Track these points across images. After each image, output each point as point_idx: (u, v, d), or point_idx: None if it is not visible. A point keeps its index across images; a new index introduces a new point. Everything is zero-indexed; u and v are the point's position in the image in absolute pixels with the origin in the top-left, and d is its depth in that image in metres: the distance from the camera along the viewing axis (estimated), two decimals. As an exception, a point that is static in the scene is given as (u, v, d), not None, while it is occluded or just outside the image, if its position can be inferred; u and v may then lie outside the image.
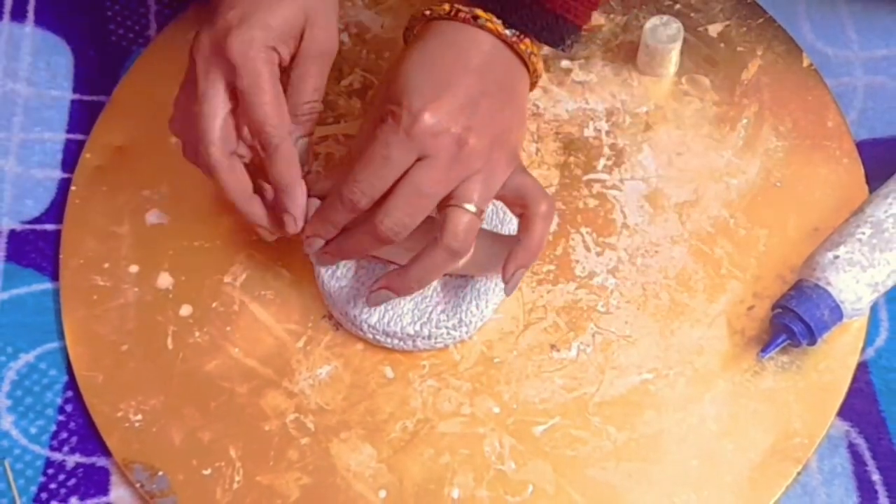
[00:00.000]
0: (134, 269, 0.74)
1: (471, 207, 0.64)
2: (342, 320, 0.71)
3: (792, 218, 0.75)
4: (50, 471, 0.69)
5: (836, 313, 0.68)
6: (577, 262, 0.74)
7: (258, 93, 0.65)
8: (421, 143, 0.62)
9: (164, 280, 0.74)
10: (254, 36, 0.65)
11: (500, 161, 0.65)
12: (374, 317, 0.70)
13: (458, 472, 0.67)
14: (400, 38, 0.71)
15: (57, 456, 0.70)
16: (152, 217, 0.76)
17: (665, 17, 0.79)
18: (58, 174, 0.79)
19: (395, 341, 0.70)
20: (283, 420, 0.69)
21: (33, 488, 0.69)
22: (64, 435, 0.70)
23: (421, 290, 0.70)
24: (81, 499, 0.68)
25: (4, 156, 0.80)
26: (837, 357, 0.70)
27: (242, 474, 0.68)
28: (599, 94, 0.80)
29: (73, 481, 0.69)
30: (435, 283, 0.70)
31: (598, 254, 0.74)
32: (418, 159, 0.63)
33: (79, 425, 0.70)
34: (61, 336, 0.73)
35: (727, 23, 0.83)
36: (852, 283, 0.68)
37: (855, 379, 0.70)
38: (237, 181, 0.67)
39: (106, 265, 0.75)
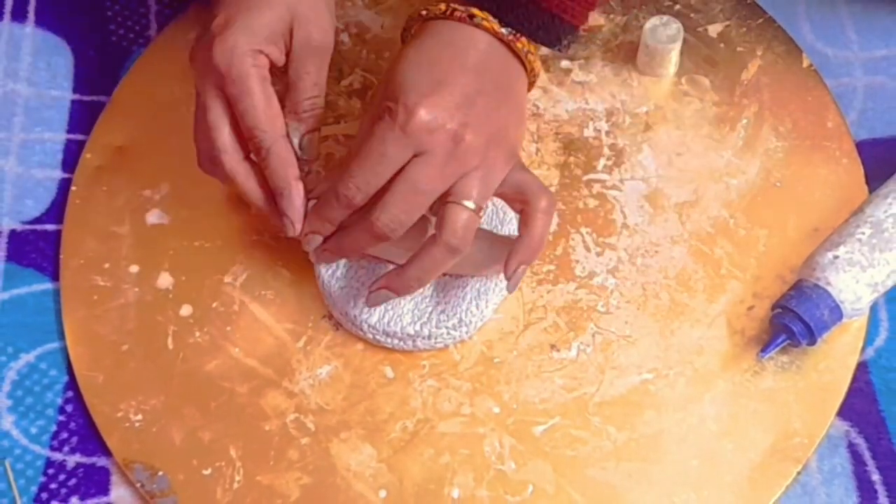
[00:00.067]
0: (134, 269, 0.74)
1: (469, 204, 0.64)
2: (342, 320, 0.71)
3: (792, 218, 0.75)
4: (50, 471, 0.69)
5: (836, 313, 0.68)
6: (577, 262, 0.74)
7: (246, 97, 0.65)
8: (417, 139, 0.62)
9: (165, 280, 0.74)
10: (237, 41, 0.65)
11: (497, 158, 0.65)
12: (374, 317, 0.70)
13: (458, 472, 0.67)
14: (399, 39, 0.71)
15: (57, 456, 0.70)
16: (152, 217, 0.76)
17: (665, 18, 0.79)
18: (58, 174, 0.79)
19: (395, 341, 0.70)
20: (283, 420, 0.69)
21: (34, 488, 0.69)
22: (64, 435, 0.70)
23: (421, 291, 0.70)
24: (82, 499, 0.68)
25: (5, 156, 0.80)
26: (837, 357, 0.70)
27: (243, 474, 0.68)
28: (599, 95, 0.80)
29: (73, 481, 0.69)
30: (435, 282, 0.70)
31: (598, 254, 0.74)
32: (414, 156, 0.63)
33: (79, 425, 0.70)
34: (62, 336, 0.73)
35: (727, 23, 0.83)
36: (852, 283, 0.68)
37: (855, 379, 0.70)
38: (254, 186, 0.68)
39: (106, 265, 0.75)
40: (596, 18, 0.83)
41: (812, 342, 0.68)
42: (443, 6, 0.66)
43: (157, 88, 0.81)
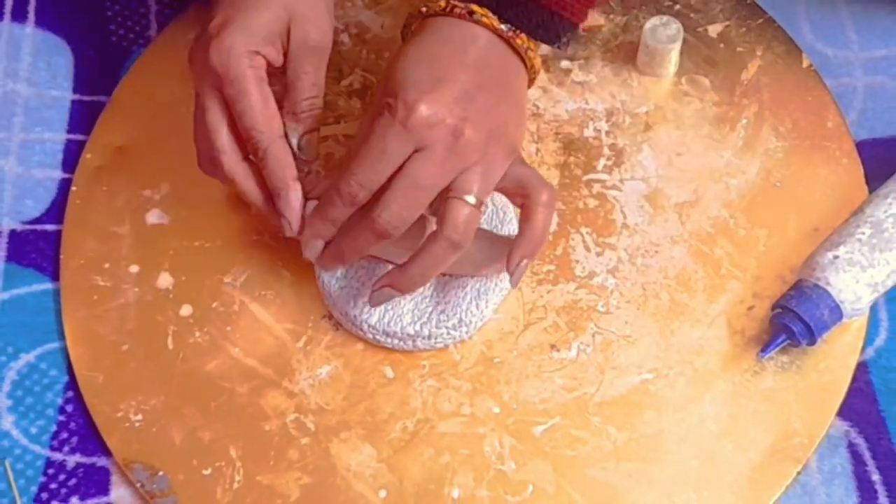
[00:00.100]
0: (134, 269, 0.74)
1: (470, 199, 0.63)
2: (342, 320, 0.71)
3: (792, 218, 0.75)
4: (50, 471, 0.69)
5: (836, 313, 0.68)
6: (577, 262, 0.74)
7: (243, 98, 0.65)
8: (417, 134, 0.62)
9: (165, 280, 0.74)
10: (233, 42, 0.65)
11: (497, 153, 0.65)
12: (375, 317, 0.70)
13: (458, 472, 0.67)
14: (399, 39, 0.71)
15: (57, 456, 0.70)
16: (153, 217, 0.76)
17: (665, 18, 0.79)
18: (58, 174, 0.80)
19: (395, 341, 0.70)
20: (283, 420, 0.69)
21: (34, 488, 0.69)
22: (64, 435, 0.70)
23: (421, 291, 0.70)
24: (82, 499, 0.68)
25: (5, 156, 0.80)
26: (837, 357, 0.70)
27: (243, 474, 0.68)
28: (599, 95, 0.80)
29: (73, 481, 0.69)
30: (435, 282, 0.70)
31: (598, 254, 0.74)
32: (415, 151, 0.63)
33: (79, 425, 0.70)
34: (62, 336, 0.73)
35: (727, 23, 0.83)
36: (852, 283, 0.68)
37: (855, 379, 0.70)
38: (253, 186, 0.68)
39: (106, 265, 0.75)
40: (596, 18, 0.83)
41: (812, 342, 0.68)
42: (442, 3, 0.66)
43: (157, 88, 0.81)
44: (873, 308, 0.72)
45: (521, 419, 0.69)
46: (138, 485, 0.68)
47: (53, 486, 0.69)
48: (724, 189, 0.76)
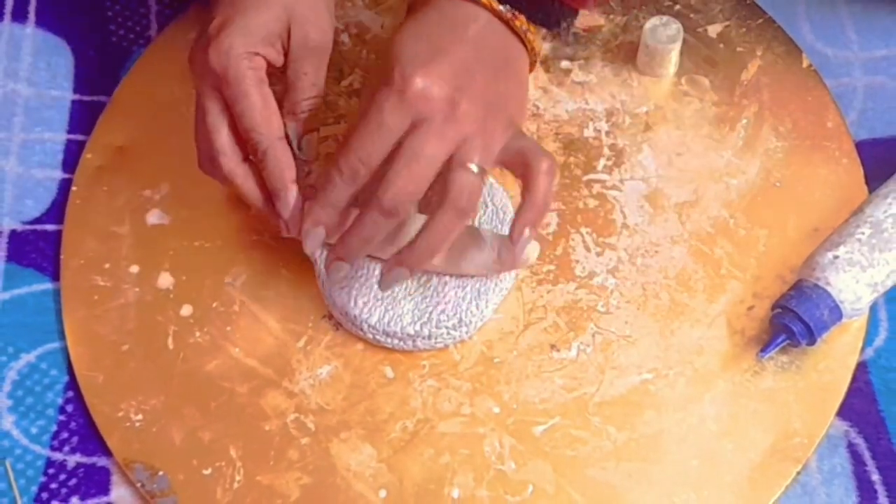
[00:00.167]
0: (134, 269, 0.75)
1: (472, 167, 0.63)
2: (342, 320, 0.71)
3: (792, 218, 0.75)
4: (51, 471, 0.69)
5: (836, 313, 0.68)
6: (577, 262, 0.74)
7: (242, 100, 0.65)
8: (414, 106, 0.62)
9: (165, 280, 0.74)
10: (232, 43, 0.65)
11: (496, 126, 0.65)
12: (375, 317, 0.70)
13: (458, 472, 0.67)
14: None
15: (58, 456, 0.70)
16: (153, 217, 0.76)
17: (665, 18, 0.79)
18: (58, 174, 0.80)
19: (395, 341, 0.70)
20: (283, 420, 0.69)
21: (34, 488, 0.69)
22: (65, 435, 0.70)
23: (421, 291, 0.70)
24: (82, 499, 0.68)
25: (5, 156, 0.80)
26: (837, 357, 0.70)
27: (243, 474, 0.68)
28: (599, 95, 0.80)
29: (73, 481, 0.69)
30: (435, 282, 0.70)
31: (598, 254, 0.74)
32: (413, 125, 0.62)
33: (79, 425, 0.71)
34: (62, 336, 0.73)
35: (727, 23, 0.83)
36: (852, 283, 0.68)
37: (854, 379, 0.70)
38: (253, 187, 0.68)
39: (106, 265, 0.75)
40: (596, 18, 0.83)
41: (812, 342, 0.68)
42: None
43: (157, 88, 0.81)
44: (873, 308, 0.72)
45: (521, 419, 0.69)
46: (138, 485, 0.68)
47: (54, 485, 0.69)
48: (724, 189, 0.76)
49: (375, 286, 0.70)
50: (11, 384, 0.72)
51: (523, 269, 0.72)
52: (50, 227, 0.77)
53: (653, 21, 0.79)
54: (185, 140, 0.69)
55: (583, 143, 0.78)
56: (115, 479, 0.69)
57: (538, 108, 0.80)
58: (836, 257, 0.69)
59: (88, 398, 0.71)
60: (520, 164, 0.66)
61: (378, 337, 0.70)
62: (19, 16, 0.85)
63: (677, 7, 0.84)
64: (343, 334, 0.72)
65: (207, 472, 0.68)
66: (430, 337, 0.70)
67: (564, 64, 0.82)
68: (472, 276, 0.70)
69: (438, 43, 0.64)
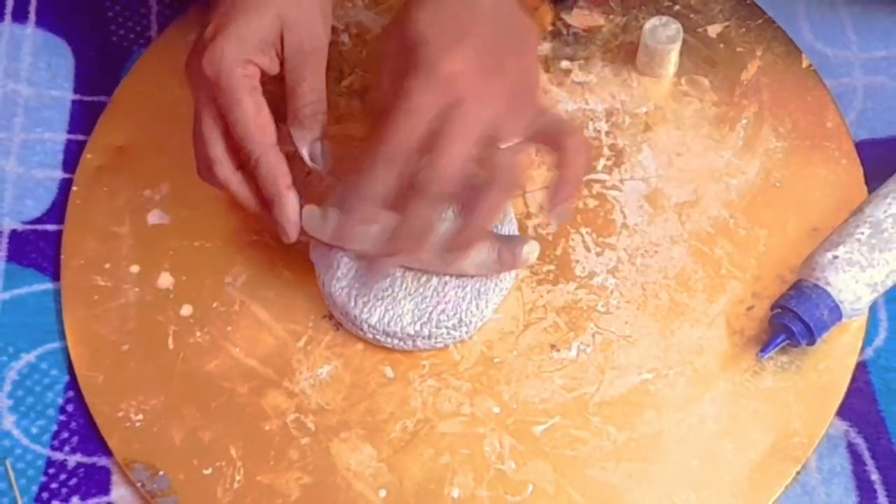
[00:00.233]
0: (135, 269, 0.75)
1: (509, 141, 0.64)
2: (342, 320, 0.71)
3: (791, 218, 0.75)
4: (51, 470, 0.69)
5: (836, 313, 0.68)
6: (577, 262, 0.74)
7: (235, 108, 0.65)
8: (445, 88, 0.62)
9: (165, 280, 0.74)
10: (225, 51, 0.65)
11: (523, 102, 0.65)
12: (375, 317, 0.70)
13: (458, 471, 0.67)
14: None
15: (58, 456, 0.70)
16: (153, 217, 0.76)
17: (664, 18, 0.79)
18: (59, 174, 0.80)
19: (395, 341, 0.70)
20: (283, 420, 0.69)
21: (34, 488, 0.69)
22: (65, 435, 0.70)
23: (421, 291, 0.70)
24: (83, 498, 0.68)
25: (5, 156, 0.80)
26: (836, 357, 0.70)
27: (243, 474, 0.68)
28: (599, 95, 0.80)
29: (74, 481, 0.69)
30: (435, 282, 0.70)
31: (598, 254, 0.74)
32: (448, 108, 0.62)
33: (80, 425, 0.71)
34: (62, 336, 0.73)
35: (726, 23, 0.83)
36: (851, 283, 0.68)
37: (854, 379, 0.70)
38: (249, 194, 0.68)
39: (107, 265, 0.75)
40: (596, 19, 0.83)
41: (811, 342, 0.68)
42: None
43: (157, 89, 0.82)
44: (873, 308, 0.72)
45: (521, 419, 0.69)
46: (139, 484, 0.68)
47: (54, 485, 0.69)
48: (724, 189, 0.76)
49: (375, 286, 0.70)
50: (12, 384, 0.72)
51: (523, 269, 0.72)
52: (50, 227, 0.77)
53: (652, 21, 0.79)
54: (185, 140, 0.69)
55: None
56: (116, 478, 0.69)
57: (538, 108, 0.80)
58: (835, 257, 0.69)
59: (89, 398, 0.71)
60: (551, 140, 0.66)
61: (378, 337, 0.70)
62: (20, 16, 0.85)
63: (677, 7, 0.84)
64: (343, 334, 0.72)
65: (208, 471, 0.68)
66: (430, 337, 0.70)
67: (564, 64, 0.82)
68: (472, 276, 0.70)
69: (459, 22, 0.64)
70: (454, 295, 0.70)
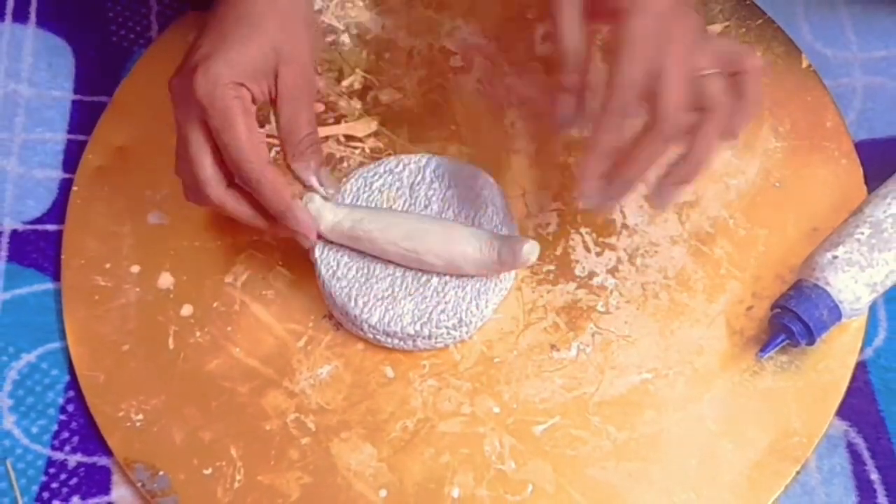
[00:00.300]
0: (135, 269, 0.75)
1: (712, 71, 0.64)
2: (343, 320, 0.71)
3: (791, 218, 0.75)
4: (51, 470, 0.69)
5: (835, 313, 0.68)
6: (577, 262, 0.74)
7: (229, 130, 0.65)
8: (660, 25, 0.63)
9: (166, 280, 0.74)
10: (219, 73, 0.64)
11: (706, 34, 0.67)
12: (375, 316, 0.70)
13: (458, 471, 0.68)
14: (400, 40, 0.71)
15: (58, 455, 0.70)
16: (153, 217, 0.76)
17: (665, 18, 0.79)
18: (59, 174, 0.80)
19: (396, 341, 0.70)
20: (283, 420, 0.69)
21: (35, 488, 0.69)
22: (65, 434, 0.70)
23: (421, 291, 0.70)
24: (83, 498, 0.68)
25: (6, 156, 0.80)
26: (836, 357, 0.70)
27: (243, 474, 0.68)
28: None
29: (74, 481, 0.69)
30: (435, 282, 0.70)
31: (598, 254, 0.74)
32: (664, 44, 0.63)
33: (80, 425, 0.71)
34: (63, 336, 0.73)
35: (727, 23, 0.83)
36: (851, 283, 0.68)
37: (854, 379, 0.70)
38: (246, 209, 0.68)
39: (107, 265, 0.75)
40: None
41: (811, 342, 0.68)
42: None
43: (158, 89, 0.81)
44: (872, 308, 0.72)
45: (521, 419, 0.69)
46: (139, 484, 0.68)
47: (55, 485, 0.69)
48: (724, 189, 0.76)
49: (375, 286, 0.70)
50: (12, 384, 0.72)
51: (523, 269, 0.72)
52: (51, 227, 0.77)
53: (652, 21, 0.79)
54: (186, 140, 0.69)
55: (583, 143, 0.78)
56: (116, 478, 0.69)
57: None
58: (835, 257, 0.69)
59: (89, 398, 0.71)
60: (728, 63, 0.65)
61: (378, 337, 0.70)
62: (20, 16, 0.85)
63: (677, 7, 0.84)
64: (343, 334, 0.72)
65: (208, 471, 0.68)
66: (430, 337, 0.70)
67: (564, 64, 0.81)
68: (472, 276, 0.71)
69: None
70: (454, 295, 0.70)
